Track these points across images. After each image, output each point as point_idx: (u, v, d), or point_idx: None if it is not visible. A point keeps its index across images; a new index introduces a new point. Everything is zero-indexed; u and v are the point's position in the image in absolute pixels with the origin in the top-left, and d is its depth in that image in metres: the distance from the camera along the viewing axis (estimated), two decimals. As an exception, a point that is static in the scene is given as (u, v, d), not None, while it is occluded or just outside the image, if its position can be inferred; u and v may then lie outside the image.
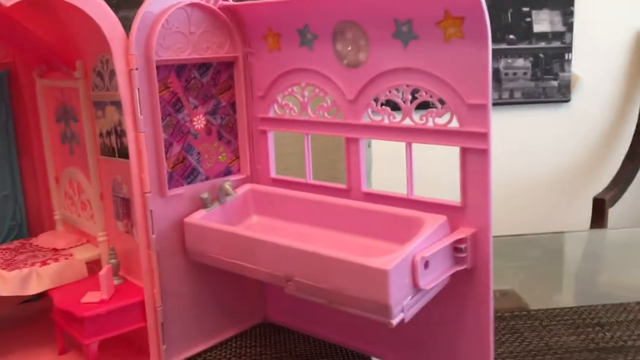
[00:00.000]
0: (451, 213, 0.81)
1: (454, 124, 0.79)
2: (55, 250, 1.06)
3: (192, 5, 0.91)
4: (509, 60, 3.09)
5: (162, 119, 0.89)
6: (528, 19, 2.99)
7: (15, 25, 0.95)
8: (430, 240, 0.77)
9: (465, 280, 0.81)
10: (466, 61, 0.76)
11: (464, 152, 0.79)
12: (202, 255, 0.91)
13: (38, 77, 1.10)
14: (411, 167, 0.85)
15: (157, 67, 0.88)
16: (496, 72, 3.06)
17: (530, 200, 3.05)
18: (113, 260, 0.97)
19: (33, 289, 0.95)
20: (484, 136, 0.76)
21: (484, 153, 0.77)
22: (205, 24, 0.93)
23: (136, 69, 0.85)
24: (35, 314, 1.08)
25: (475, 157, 0.78)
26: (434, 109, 0.80)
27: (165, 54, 0.88)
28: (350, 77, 0.88)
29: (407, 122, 0.83)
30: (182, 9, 0.90)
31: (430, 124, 0.81)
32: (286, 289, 0.82)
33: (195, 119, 0.94)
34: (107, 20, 0.83)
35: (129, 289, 0.94)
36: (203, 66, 0.94)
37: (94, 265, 1.02)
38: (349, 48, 0.87)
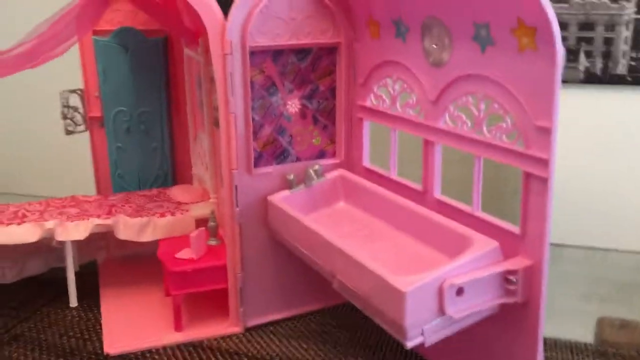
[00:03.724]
0: (508, 239, 0.74)
1: (521, 145, 0.71)
2: (179, 203, 1.19)
3: (294, -9, 0.92)
4: None
5: (254, 101, 0.94)
6: None
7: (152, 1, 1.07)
8: (474, 264, 0.72)
9: (514, 313, 0.74)
10: (537, 77, 0.67)
11: (527, 177, 0.71)
12: (276, 232, 0.96)
13: (185, 46, 1.22)
14: (479, 181, 0.79)
15: (253, 52, 0.92)
16: None
17: None
18: (212, 223, 1.06)
19: (147, 236, 1.10)
20: (545, 163, 0.67)
21: (544, 182, 0.68)
22: (308, 9, 0.94)
23: (230, 54, 0.90)
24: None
25: (536, 184, 0.69)
26: (504, 125, 0.73)
27: (262, 39, 0.92)
28: (434, 76, 0.83)
29: (479, 134, 0.77)
30: (284, -5, 0.92)
31: (499, 140, 0.74)
32: (333, 284, 0.83)
33: (289, 102, 0.97)
34: (203, 4, 0.88)
35: (221, 252, 1.03)
36: (302, 52, 0.96)
37: (205, 222, 1.13)
38: (435, 45, 0.82)
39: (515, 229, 0.74)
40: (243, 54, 0.91)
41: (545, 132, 0.67)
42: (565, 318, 1.05)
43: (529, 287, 0.72)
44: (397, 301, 0.68)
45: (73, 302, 1.11)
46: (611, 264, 1.33)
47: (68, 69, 1.30)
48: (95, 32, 1.27)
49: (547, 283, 0.72)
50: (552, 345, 0.97)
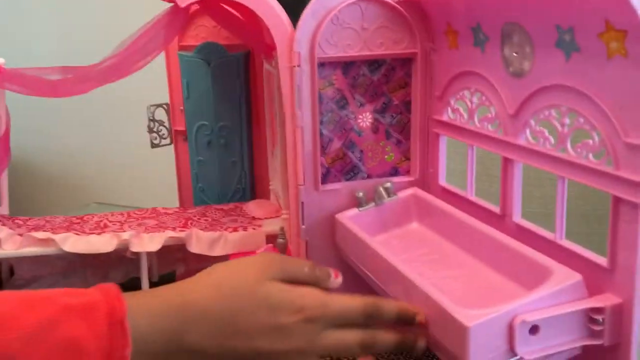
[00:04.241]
0: (594, 272, 0.65)
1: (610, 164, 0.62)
2: (252, 218, 1.18)
3: (367, 0, 0.88)
4: None
5: (323, 115, 0.91)
6: None
7: (227, 14, 1.07)
8: (552, 299, 0.63)
9: (600, 356, 0.65)
10: (628, 87, 0.58)
11: (616, 201, 0.62)
12: (344, 252, 0.92)
13: (264, 60, 1.21)
14: (563, 205, 0.70)
15: (322, 64, 0.88)
16: None
17: None
18: (280, 240, 1.03)
19: (218, 251, 1.09)
20: (637, 186, 0.58)
21: (636, 208, 0.59)
22: (381, 19, 0.89)
23: (297, 66, 0.87)
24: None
25: (626, 210, 0.60)
26: (590, 142, 0.64)
27: (332, 50, 0.88)
28: (513, 88, 0.75)
29: (562, 152, 0.68)
30: (356, 4, 0.88)
31: (585, 159, 0.65)
32: (396, 311, 0.77)
33: (360, 116, 0.93)
34: (271, 15, 0.86)
35: (289, 270, 1.00)
36: (374, 63, 0.91)
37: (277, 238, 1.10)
38: (515, 54, 0.74)
39: (602, 260, 0.64)
40: (311, 66, 0.88)
41: (638, 151, 0.58)
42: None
43: (617, 328, 0.63)
44: (460, 336, 0.61)
45: (146, 313, 1.12)
46: None
47: (155, 84, 1.34)
48: (180, 48, 1.30)
49: (642, 325, 0.62)
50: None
